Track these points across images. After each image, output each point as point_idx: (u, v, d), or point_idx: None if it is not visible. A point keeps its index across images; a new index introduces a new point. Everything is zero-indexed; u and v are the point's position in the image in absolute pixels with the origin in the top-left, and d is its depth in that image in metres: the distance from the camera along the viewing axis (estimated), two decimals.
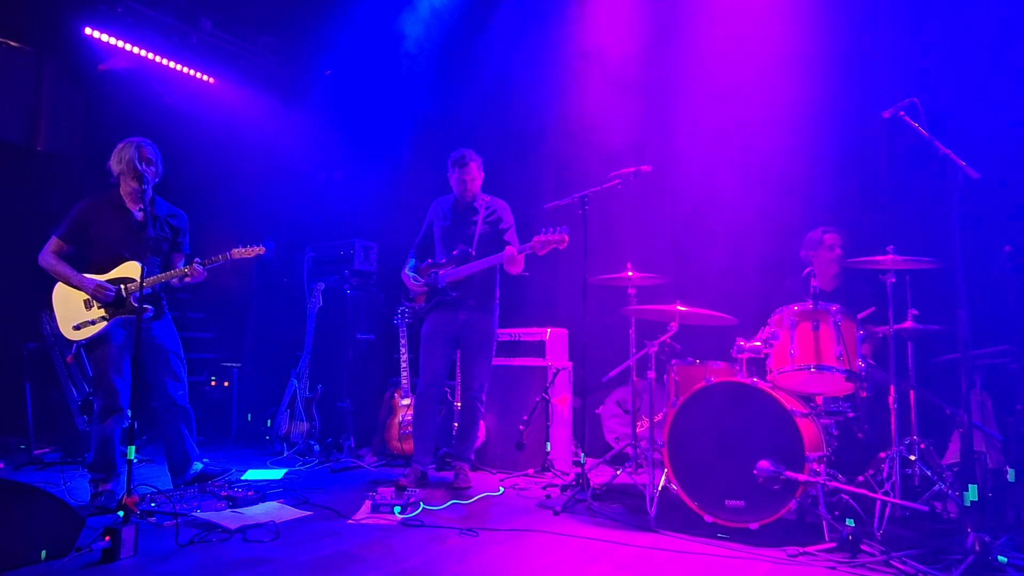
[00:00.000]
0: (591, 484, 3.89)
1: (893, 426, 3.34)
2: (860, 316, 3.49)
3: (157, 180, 3.74)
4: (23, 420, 4.79)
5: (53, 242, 3.66)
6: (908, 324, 3.55)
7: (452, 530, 3.24)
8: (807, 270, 4.02)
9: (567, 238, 3.87)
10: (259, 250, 3.86)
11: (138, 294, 3.39)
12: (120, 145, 3.71)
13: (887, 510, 3.12)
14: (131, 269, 3.65)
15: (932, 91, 3.91)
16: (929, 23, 4.30)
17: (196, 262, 3.70)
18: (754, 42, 4.98)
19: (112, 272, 3.65)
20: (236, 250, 3.82)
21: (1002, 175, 3.74)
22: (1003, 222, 3.81)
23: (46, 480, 4.19)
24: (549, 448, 4.76)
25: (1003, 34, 4.09)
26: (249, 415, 6.26)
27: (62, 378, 4.92)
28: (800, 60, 4.76)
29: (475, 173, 4.27)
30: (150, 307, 3.68)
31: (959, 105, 3.96)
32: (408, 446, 4.82)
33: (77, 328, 3.59)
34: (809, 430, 3.22)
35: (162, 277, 3.69)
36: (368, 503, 3.55)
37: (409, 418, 4.92)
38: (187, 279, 3.72)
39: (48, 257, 3.64)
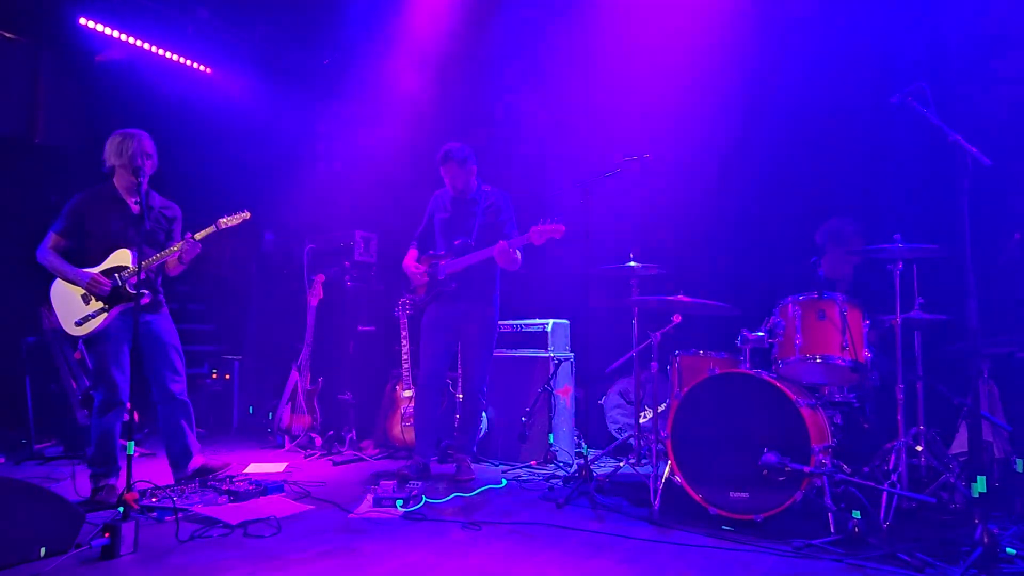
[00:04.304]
0: (594, 476, 3.87)
1: (900, 416, 3.31)
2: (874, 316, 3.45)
3: (152, 172, 3.70)
4: (24, 415, 4.77)
5: (51, 238, 3.62)
6: (915, 313, 3.51)
7: (454, 524, 3.22)
8: (813, 259, 3.97)
9: (563, 228, 3.86)
10: (244, 215, 3.85)
11: (135, 280, 3.35)
12: (117, 138, 3.66)
13: (893, 501, 3.09)
14: (122, 257, 3.61)
15: (942, 76, 3.84)
16: (939, 4, 4.23)
17: (188, 235, 3.68)
18: (759, 28, 4.91)
19: (104, 263, 3.61)
20: (222, 219, 3.80)
21: (1014, 161, 3.68)
22: (1013, 209, 3.75)
23: (47, 475, 4.18)
24: (552, 440, 4.74)
25: (1012, 16, 4.01)
26: (250, 408, 6.25)
27: (62, 372, 4.90)
28: (805, 46, 4.69)
29: (455, 170, 4.21)
30: (147, 292, 3.63)
31: (970, 89, 3.89)
32: (410, 438, 4.80)
33: (79, 324, 3.55)
34: (814, 421, 3.18)
35: (156, 258, 3.65)
36: (370, 496, 3.52)
37: (411, 410, 4.89)
38: (184, 256, 3.68)
39: (46, 253, 3.60)
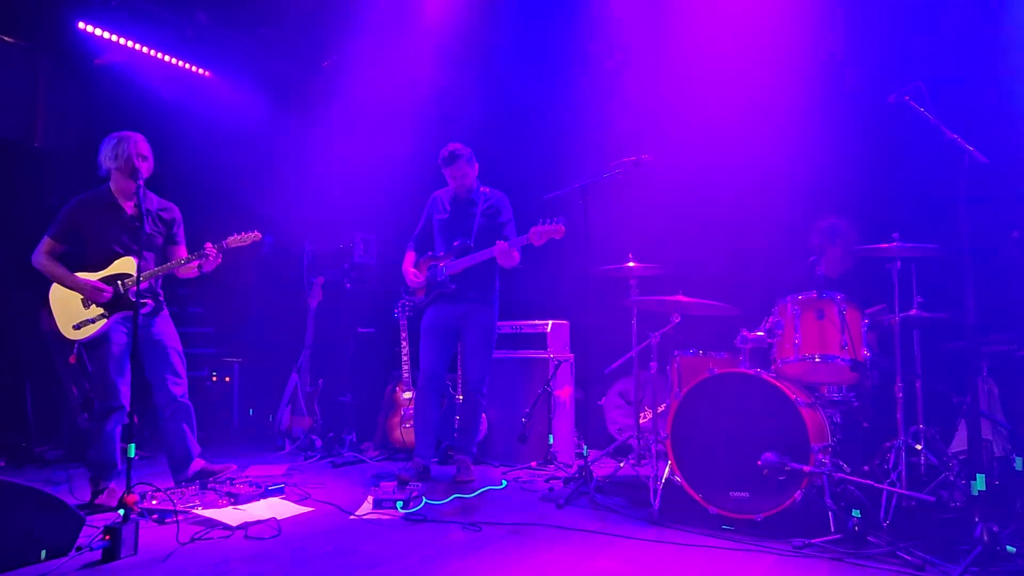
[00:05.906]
0: (594, 476, 3.87)
1: (899, 415, 3.31)
2: (869, 311, 3.45)
3: (149, 175, 3.70)
4: (24, 417, 4.77)
5: (46, 243, 3.61)
6: (914, 312, 3.52)
7: (455, 525, 3.22)
8: (812, 258, 3.98)
9: (563, 228, 3.87)
10: (255, 236, 3.80)
11: (136, 289, 3.36)
12: (113, 140, 3.65)
13: (893, 500, 3.10)
14: (126, 265, 3.61)
15: (939, 74, 3.84)
16: (935, 4, 4.24)
17: (208, 245, 3.65)
18: (756, 28, 4.92)
19: (107, 270, 3.61)
20: (231, 239, 3.77)
21: (1011, 159, 3.68)
22: (1011, 207, 3.76)
23: (48, 478, 4.18)
24: (552, 441, 4.74)
25: (1008, 15, 4.02)
26: (251, 410, 6.25)
27: (62, 376, 4.90)
28: (803, 45, 4.70)
29: (464, 169, 4.22)
30: (149, 301, 3.65)
31: (967, 88, 3.89)
32: (410, 440, 4.80)
33: (77, 328, 3.55)
34: (814, 420, 3.19)
35: (161, 269, 3.65)
36: (370, 498, 3.53)
37: (411, 412, 4.90)
38: (205, 266, 3.67)
39: (41, 258, 3.59)
